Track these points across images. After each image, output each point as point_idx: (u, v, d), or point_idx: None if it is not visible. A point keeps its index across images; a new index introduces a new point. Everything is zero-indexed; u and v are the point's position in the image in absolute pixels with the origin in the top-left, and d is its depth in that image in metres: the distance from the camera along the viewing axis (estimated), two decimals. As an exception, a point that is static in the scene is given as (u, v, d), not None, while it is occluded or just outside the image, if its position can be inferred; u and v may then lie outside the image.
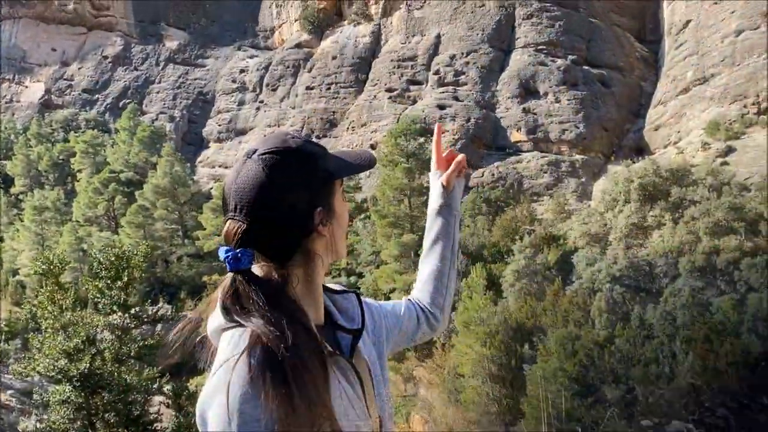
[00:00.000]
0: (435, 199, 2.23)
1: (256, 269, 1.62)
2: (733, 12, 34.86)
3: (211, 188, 44.74)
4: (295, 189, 1.63)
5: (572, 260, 23.96)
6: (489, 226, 30.93)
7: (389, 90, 43.12)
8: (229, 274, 1.60)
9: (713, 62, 35.43)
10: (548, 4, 42.24)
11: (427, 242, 2.22)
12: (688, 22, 37.73)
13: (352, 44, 47.11)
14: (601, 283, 21.15)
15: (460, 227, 2.72)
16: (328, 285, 1.87)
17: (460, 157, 2.25)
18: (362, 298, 1.95)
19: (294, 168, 1.64)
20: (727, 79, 34.41)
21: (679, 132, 36.22)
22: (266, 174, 1.61)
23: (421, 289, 2.18)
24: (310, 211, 1.65)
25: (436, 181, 2.25)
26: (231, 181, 1.65)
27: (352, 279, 31.16)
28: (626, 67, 41.38)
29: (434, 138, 2.27)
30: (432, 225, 2.22)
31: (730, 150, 32.34)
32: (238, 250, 1.59)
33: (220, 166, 49.73)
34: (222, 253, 1.60)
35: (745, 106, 33.69)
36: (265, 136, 1.79)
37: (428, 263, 2.19)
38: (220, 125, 52.28)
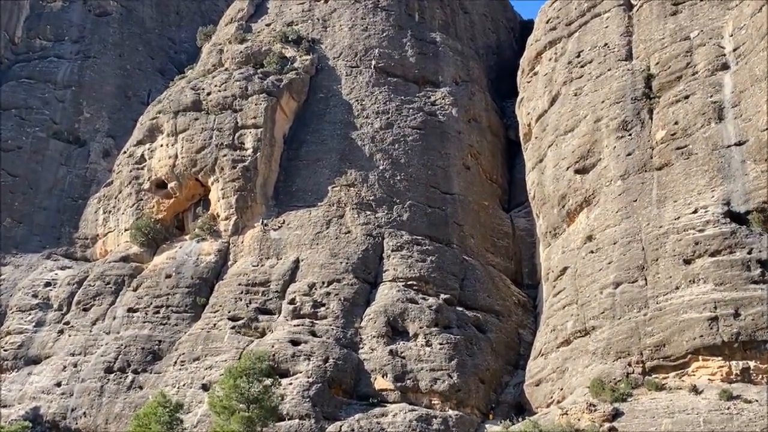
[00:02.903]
0: None
1: None
2: (610, 263, 34.84)
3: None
4: None
5: None
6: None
7: (233, 318, 40.25)
8: None
9: (593, 314, 34.66)
10: (419, 237, 42.36)
11: None
12: (565, 268, 37.67)
13: (192, 262, 44.42)
14: None
15: None
16: None
17: None
18: None
19: None
20: (609, 333, 33.46)
21: (561, 389, 34.94)
22: None
23: None
24: None
25: None
26: None
27: None
28: (503, 311, 41.25)
29: None
30: None
31: (617, 413, 31.45)
32: None
33: (-7, 406, 41.91)
34: None
35: (629, 364, 32.65)
36: None
37: None
38: (6, 350, 45.04)
